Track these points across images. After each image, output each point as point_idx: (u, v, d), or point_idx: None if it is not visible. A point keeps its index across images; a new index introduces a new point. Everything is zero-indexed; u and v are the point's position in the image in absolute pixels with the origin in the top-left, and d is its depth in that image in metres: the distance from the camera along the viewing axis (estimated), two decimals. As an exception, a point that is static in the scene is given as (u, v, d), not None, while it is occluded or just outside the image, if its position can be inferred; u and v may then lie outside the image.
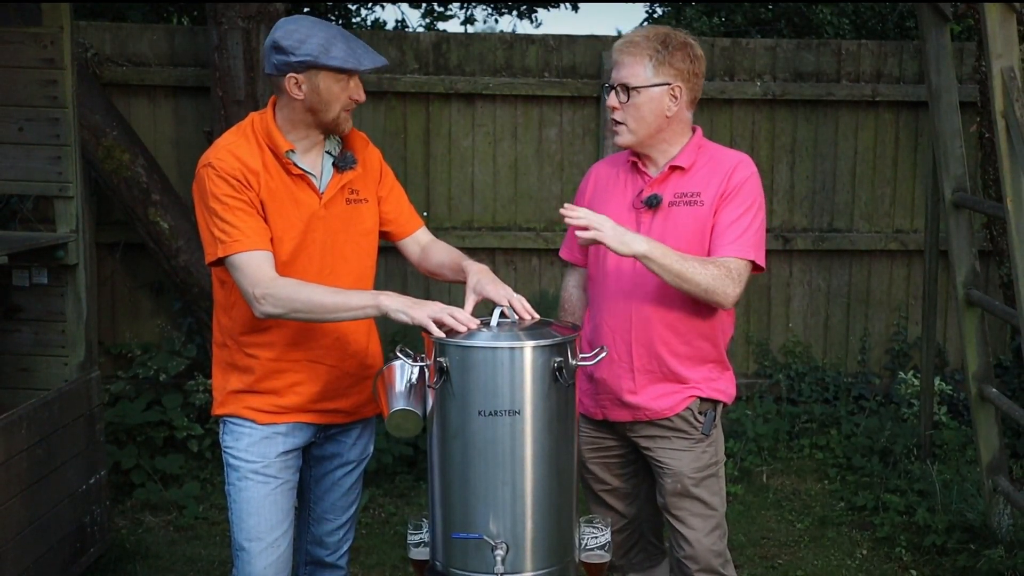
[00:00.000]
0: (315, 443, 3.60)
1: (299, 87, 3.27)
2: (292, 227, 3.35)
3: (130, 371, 6.61)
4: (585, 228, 3.24)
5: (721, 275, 3.36)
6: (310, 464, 3.65)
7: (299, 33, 3.24)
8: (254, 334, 3.41)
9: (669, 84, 3.44)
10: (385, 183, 3.61)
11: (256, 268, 3.24)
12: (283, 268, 3.34)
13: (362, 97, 3.33)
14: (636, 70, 3.42)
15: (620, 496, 3.77)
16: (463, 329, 3.04)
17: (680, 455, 3.54)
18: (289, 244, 3.35)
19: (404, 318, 3.11)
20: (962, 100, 5.77)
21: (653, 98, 3.44)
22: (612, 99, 3.45)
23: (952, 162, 5.56)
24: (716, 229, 3.44)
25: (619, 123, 3.46)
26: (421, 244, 3.69)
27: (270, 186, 3.33)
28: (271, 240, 3.33)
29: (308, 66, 3.23)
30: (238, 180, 3.27)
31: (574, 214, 3.25)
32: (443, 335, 3.03)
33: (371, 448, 3.75)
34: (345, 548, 3.77)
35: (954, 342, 7.31)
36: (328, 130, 3.38)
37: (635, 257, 3.28)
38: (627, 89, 3.42)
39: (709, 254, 3.44)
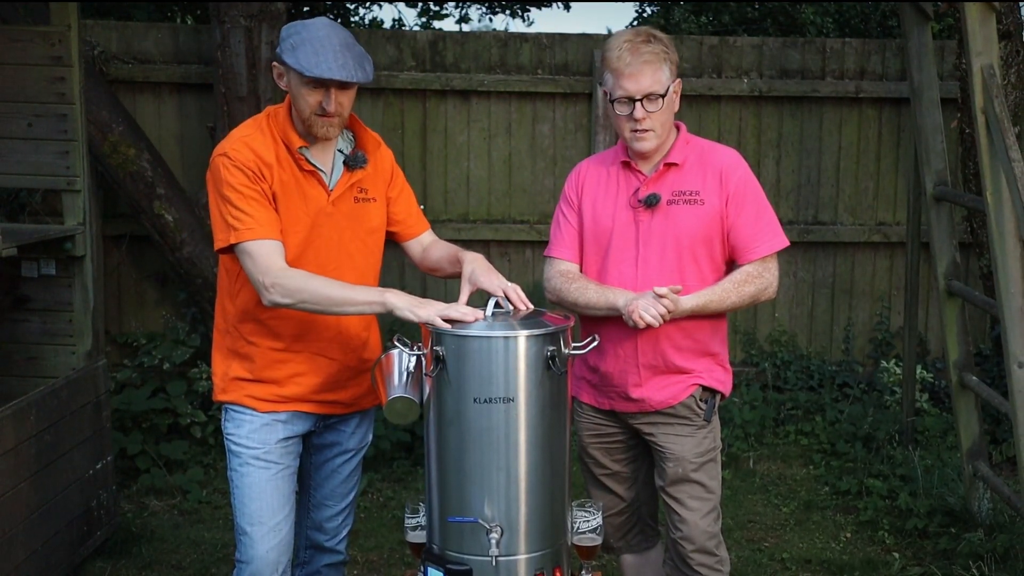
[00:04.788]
0: (315, 432, 3.63)
1: (281, 77, 3.37)
2: (299, 221, 3.37)
3: (136, 360, 6.64)
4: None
5: (758, 286, 3.54)
6: (310, 452, 3.68)
7: (297, 27, 3.30)
8: (257, 323, 3.43)
9: (675, 81, 3.52)
10: (396, 184, 3.64)
11: (267, 257, 3.26)
12: (289, 262, 3.35)
13: (331, 108, 3.29)
14: (658, 76, 3.45)
15: (620, 480, 3.81)
16: (471, 320, 3.09)
17: (682, 440, 3.60)
18: (295, 238, 3.37)
19: (411, 316, 3.14)
20: (943, 96, 5.79)
21: (671, 99, 3.51)
22: (640, 111, 3.43)
23: (933, 157, 5.59)
24: (739, 238, 3.54)
25: (647, 130, 3.48)
26: (424, 245, 3.72)
27: (282, 179, 3.35)
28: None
29: (281, 59, 3.31)
30: (252, 171, 3.30)
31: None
32: (450, 327, 3.06)
33: (370, 437, 3.77)
34: (344, 533, 3.79)
35: (935, 331, 7.36)
36: (307, 130, 3.37)
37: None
38: (657, 98, 3.45)
39: (735, 259, 3.56)
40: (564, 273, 3.67)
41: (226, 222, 3.30)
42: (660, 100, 3.46)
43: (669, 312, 3.33)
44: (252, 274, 3.28)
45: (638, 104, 3.45)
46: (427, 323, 3.10)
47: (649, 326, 3.35)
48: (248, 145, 3.35)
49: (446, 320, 3.09)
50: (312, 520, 3.75)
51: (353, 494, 3.78)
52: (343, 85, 3.30)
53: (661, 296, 3.32)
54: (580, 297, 3.58)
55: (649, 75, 3.44)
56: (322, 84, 3.26)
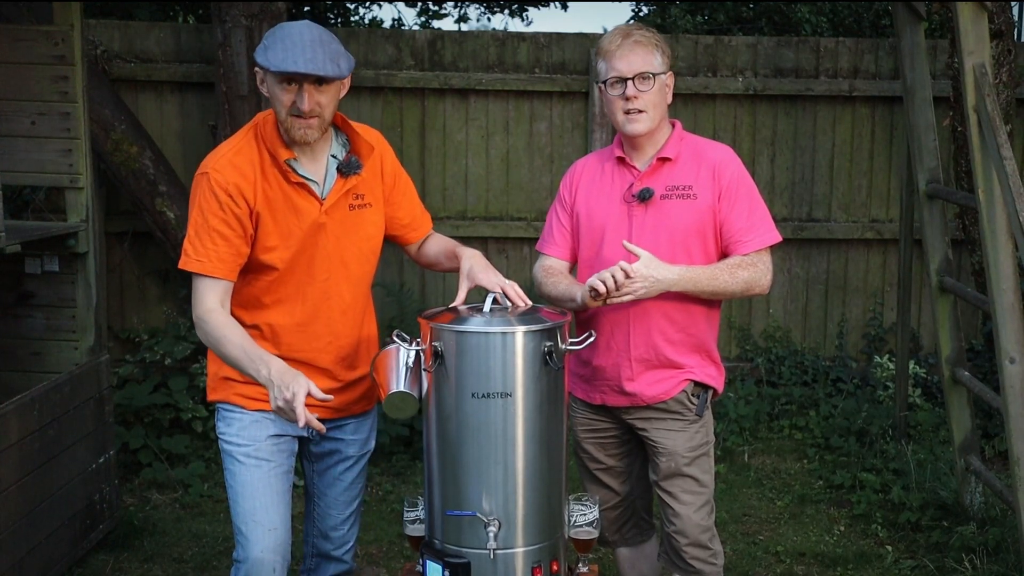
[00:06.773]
0: (312, 440, 3.57)
1: (262, 83, 3.27)
2: (290, 235, 3.30)
3: (137, 355, 6.66)
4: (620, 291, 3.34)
5: (752, 274, 3.53)
6: (311, 460, 3.64)
7: (275, 29, 3.23)
8: (250, 329, 3.37)
9: (667, 72, 3.56)
10: (399, 186, 3.58)
11: (203, 293, 3.26)
12: (280, 276, 3.34)
13: (305, 107, 3.16)
14: (649, 59, 3.49)
15: (614, 474, 3.83)
16: (297, 420, 3.03)
17: (675, 435, 3.61)
18: (286, 252, 3.31)
19: (271, 405, 3.11)
20: (935, 95, 5.83)
21: (664, 85, 3.54)
22: (632, 89, 3.47)
23: (926, 154, 5.62)
24: (731, 231, 3.55)
25: (640, 111, 3.50)
26: (420, 242, 3.71)
27: (268, 195, 3.27)
28: (267, 250, 3.30)
29: (258, 63, 3.22)
30: (229, 195, 3.23)
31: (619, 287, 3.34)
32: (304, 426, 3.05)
33: (372, 444, 3.70)
34: (351, 543, 3.74)
35: (928, 327, 7.40)
36: (285, 133, 3.26)
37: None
38: (649, 76, 3.48)
39: (728, 252, 3.56)
40: (547, 268, 3.77)
41: (183, 246, 3.31)
42: (652, 79, 3.50)
43: (629, 276, 3.33)
44: (192, 302, 3.32)
45: (630, 83, 3.48)
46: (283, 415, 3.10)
47: (608, 293, 3.34)
48: (232, 163, 3.28)
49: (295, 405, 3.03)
50: (318, 528, 3.71)
51: (357, 502, 3.73)
52: (319, 83, 3.19)
53: (624, 271, 3.34)
54: (552, 290, 3.68)
55: (640, 55, 3.49)
56: (293, 80, 3.16)
